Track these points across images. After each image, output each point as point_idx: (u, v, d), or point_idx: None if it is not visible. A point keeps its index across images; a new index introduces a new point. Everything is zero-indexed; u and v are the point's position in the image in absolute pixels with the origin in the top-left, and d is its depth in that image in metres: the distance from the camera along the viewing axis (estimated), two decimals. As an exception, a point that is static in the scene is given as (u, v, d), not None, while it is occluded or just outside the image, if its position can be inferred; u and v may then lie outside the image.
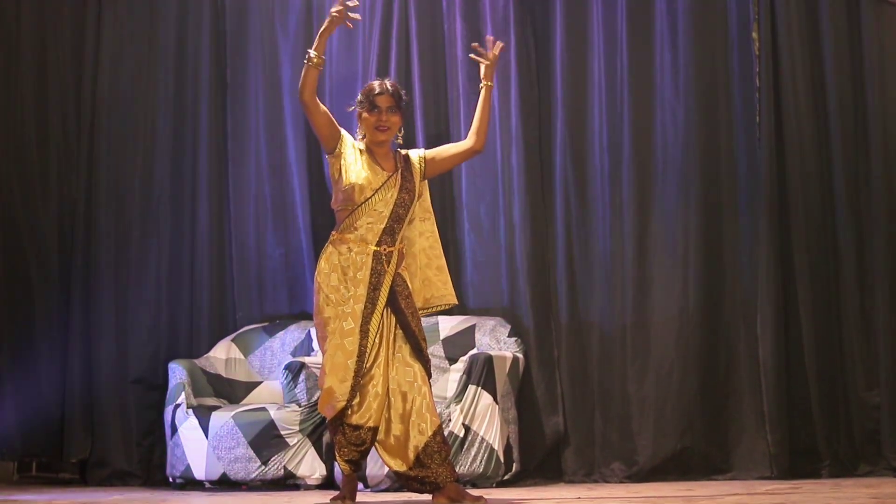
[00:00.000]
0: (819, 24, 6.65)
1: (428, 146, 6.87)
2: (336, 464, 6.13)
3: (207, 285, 7.14)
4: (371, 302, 4.90)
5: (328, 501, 5.03)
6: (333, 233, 5.02)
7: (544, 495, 5.56)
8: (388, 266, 4.94)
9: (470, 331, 6.65)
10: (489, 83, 5.14)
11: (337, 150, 4.99)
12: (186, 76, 7.33)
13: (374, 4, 7.10)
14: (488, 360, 6.18)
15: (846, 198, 6.55)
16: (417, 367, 4.94)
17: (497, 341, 6.57)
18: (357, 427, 4.88)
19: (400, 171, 5.01)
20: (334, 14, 4.87)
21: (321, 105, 4.97)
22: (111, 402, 7.03)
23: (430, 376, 4.98)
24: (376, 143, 5.02)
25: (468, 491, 5.04)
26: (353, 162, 4.98)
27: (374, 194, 4.94)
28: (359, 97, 5.06)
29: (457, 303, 5.23)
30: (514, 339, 6.59)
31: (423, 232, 5.14)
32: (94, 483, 6.94)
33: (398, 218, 4.96)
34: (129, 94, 7.33)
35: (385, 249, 4.94)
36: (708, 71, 6.75)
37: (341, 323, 4.88)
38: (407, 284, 5.00)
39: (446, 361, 6.60)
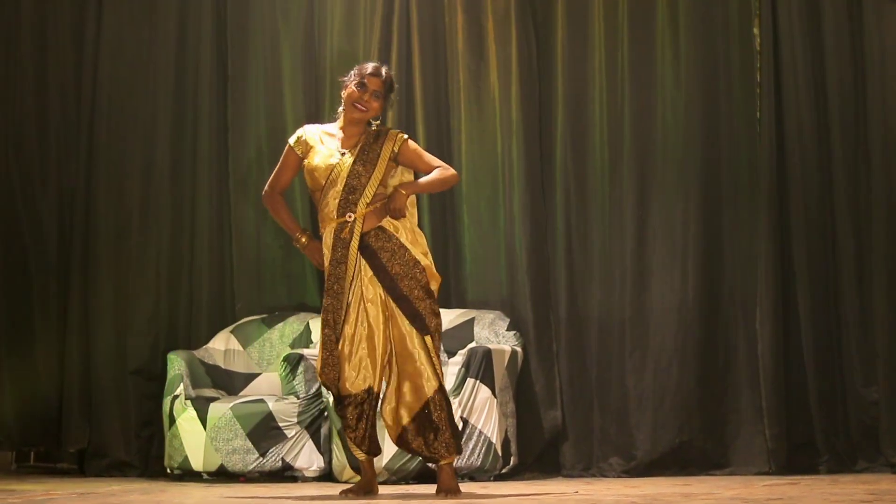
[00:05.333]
0: (820, 18, 6.65)
1: (428, 136, 6.91)
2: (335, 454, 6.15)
3: (207, 276, 7.13)
4: (337, 277, 4.94)
5: (339, 494, 5.03)
6: None
7: (542, 489, 5.55)
8: (352, 232, 4.94)
9: (469, 324, 6.64)
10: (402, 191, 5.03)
11: (306, 158, 5.08)
12: (187, 65, 7.31)
13: (376, -3, 7.12)
14: (487, 354, 6.19)
15: (846, 192, 6.55)
16: (407, 327, 4.91)
17: (496, 335, 6.56)
18: (341, 399, 4.93)
19: (360, 145, 5.03)
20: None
21: (283, 188, 5.25)
22: (109, 393, 7.01)
23: (429, 334, 4.89)
24: (350, 120, 5.05)
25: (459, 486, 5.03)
26: (317, 147, 5.06)
27: (330, 174, 4.99)
28: (352, 70, 5.09)
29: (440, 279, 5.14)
30: (512, 332, 6.59)
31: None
32: (91, 473, 6.93)
33: (352, 189, 4.96)
34: (130, 82, 7.30)
35: (350, 217, 4.95)
36: (709, 65, 6.74)
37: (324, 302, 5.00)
38: (393, 236, 4.95)
39: (445, 354, 6.59)
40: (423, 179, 5.12)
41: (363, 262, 4.94)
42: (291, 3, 7.27)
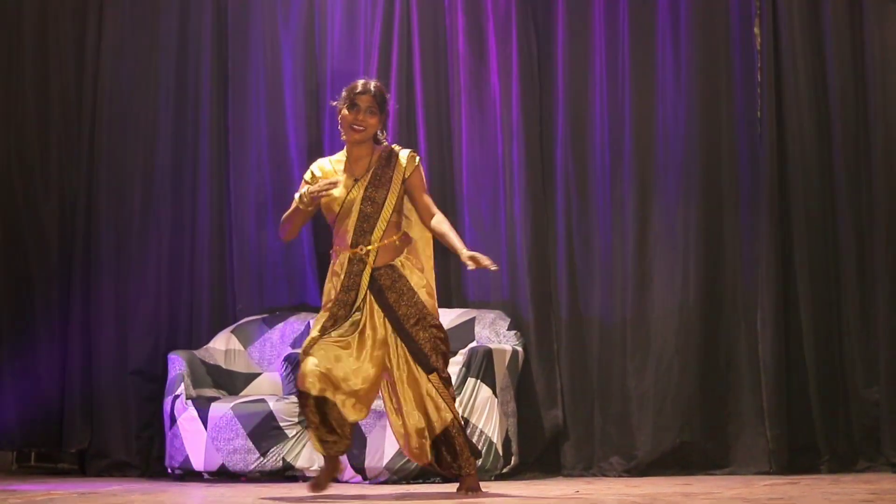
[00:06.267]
0: (821, 19, 6.64)
1: (429, 138, 6.92)
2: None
3: (207, 277, 7.15)
4: (342, 304, 4.90)
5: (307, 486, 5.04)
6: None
7: (543, 489, 5.55)
8: (365, 266, 4.91)
9: (469, 324, 6.65)
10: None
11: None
12: (188, 69, 7.33)
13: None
14: (488, 353, 6.19)
15: (847, 194, 6.55)
16: (413, 364, 4.89)
17: (496, 334, 6.57)
18: (302, 394, 4.84)
19: (372, 170, 4.97)
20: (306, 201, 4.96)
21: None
22: (111, 393, 7.03)
23: (434, 371, 4.88)
24: (351, 142, 5.00)
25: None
26: (333, 179, 4.96)
27: (343, 203, 4.94)
28: (342, 93, 5.02)
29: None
30: (513, 332, 6.59)
31: (424, 236, 5.08)
32: (92, 473, 6.95)
33: (366, 217, 4.92)
34: (131, 86, 7.33)
35: (362, 249, 4.91)
36: (709, 66, 6.74)
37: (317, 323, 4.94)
38: (403, 276, 4.94)
39: (445, 355, 6.59)
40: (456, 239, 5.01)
41: (371, 297, 4.93)
42: (292, 8, 7.29)
